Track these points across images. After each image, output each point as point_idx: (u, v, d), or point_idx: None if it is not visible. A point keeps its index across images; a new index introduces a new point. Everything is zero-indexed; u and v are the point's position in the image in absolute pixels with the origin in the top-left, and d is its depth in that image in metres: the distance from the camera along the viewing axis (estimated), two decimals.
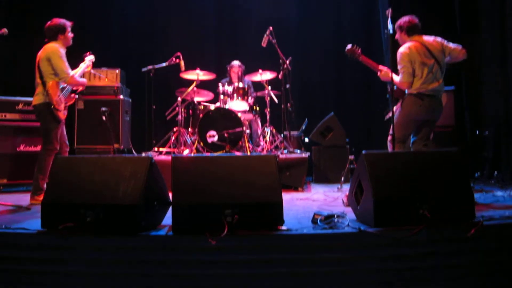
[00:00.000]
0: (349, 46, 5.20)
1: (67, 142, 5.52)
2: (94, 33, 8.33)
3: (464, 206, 3.52)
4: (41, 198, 4.90)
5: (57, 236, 3.37)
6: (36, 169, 5.20)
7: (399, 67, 4.92)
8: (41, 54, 5.19)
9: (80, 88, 5.61)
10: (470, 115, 7.08)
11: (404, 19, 5.02)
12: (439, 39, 4.95)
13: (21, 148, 6.40)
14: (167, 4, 8.75)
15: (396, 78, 4.90)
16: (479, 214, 3.66)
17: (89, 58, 5.70)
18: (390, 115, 5.07)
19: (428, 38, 4.93)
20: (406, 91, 4.93)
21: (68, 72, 5.20)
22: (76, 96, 5.65)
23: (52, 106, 5.12)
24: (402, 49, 4.90)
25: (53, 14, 7.35)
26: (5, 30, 4.91)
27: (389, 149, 4.97)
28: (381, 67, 5.13)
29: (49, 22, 5.30)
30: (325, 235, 3.39)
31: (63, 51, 5.24)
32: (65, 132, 5.52)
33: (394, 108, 5.04)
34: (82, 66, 5.58)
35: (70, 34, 5.37)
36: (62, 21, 5.34)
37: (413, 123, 4.87)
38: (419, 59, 4.80)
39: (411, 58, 4.81)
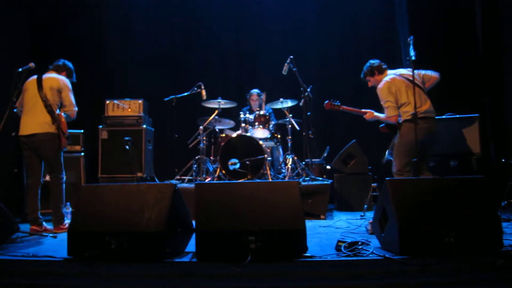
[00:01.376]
0: (326, 102, 5.54)
1: None
2: (116, 65, 8.53)
3: (492, 235, 3.46)
4: (65, 226, 5.00)
5: (83, 264, 3.41)
6: (53, 200, 5.19)
7: (382, 103, 5.12)
8: (50, 83, 5.20)
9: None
10: (496, 142, 6.99)
11: (371, 65, 5.33)
12: (411, 69, 5.06)
13: (47, 178, 6.47)
14: (188, 34, 8.93)
15: (382, 115, 5.07)
16: (508, 243, 3.60)
17: None
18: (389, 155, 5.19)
19: (400, 70, 5.14)
20: (400, 120, 5.03)
21: (75, 105, 5.32)
22: None
23: (66, 135, 5.17)
24: (380, 85, 5.13)
25: (76, 47, 7.58)
26: (32, 65, 5.03)
27: None
28: (364, 110, 5.35)
29: (68, 60, 5.50)
30: (349, 262, 3.37)
31: (71, 84, 5.37)
32: None
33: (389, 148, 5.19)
34: None
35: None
36: (73, 71, 5.53)
37: (414, 149, 4.87)
38: (400, 88, 4.97)
39: (392, 90, 5.02)
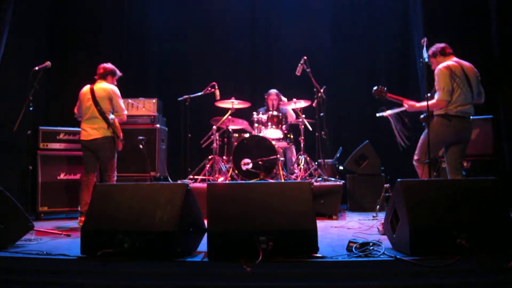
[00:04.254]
0: (375, 88, 5.35)
1: None
2: (132, 64, 8.58)
3: (504, 237, 3.42)
4: None
5: (96, 262, 3.44)
6: None
7: (437, 85, 4.89)
8: (102, 92, 5.65)
9: None
10: (509, 144, 6.90)
11: (436, 46, 5.10)
12: (475, 69, 4.95)
13: (61, 176, 6.57)
14: (202, 35, 8.97)
15: (424, 103, 4.89)
16: None
17: None
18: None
19: (465, 62, 4.94)
20: (434, 113, 4.92)
21: (124, 109, 5.78)
22: None
23: (120, 139, 5.68)
24: (441, 66, 4.91)
25: (92, 48, 7.65)
26: (48, 63, 5.26)
27: (416, 169, 4.99)
28: (406, 101, 5.19)
29: (104, 64, 5.84)
30: (360, 263, 3.36)
31: (118, 91, 5.76)
32: None
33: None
34: None
35: (115, 80, 5.90)
36: (115, 68, 5.89)
37: (440, 144, 4.82)
38: (457, 78, 4.80)
39: (451, 75, 4.81)
